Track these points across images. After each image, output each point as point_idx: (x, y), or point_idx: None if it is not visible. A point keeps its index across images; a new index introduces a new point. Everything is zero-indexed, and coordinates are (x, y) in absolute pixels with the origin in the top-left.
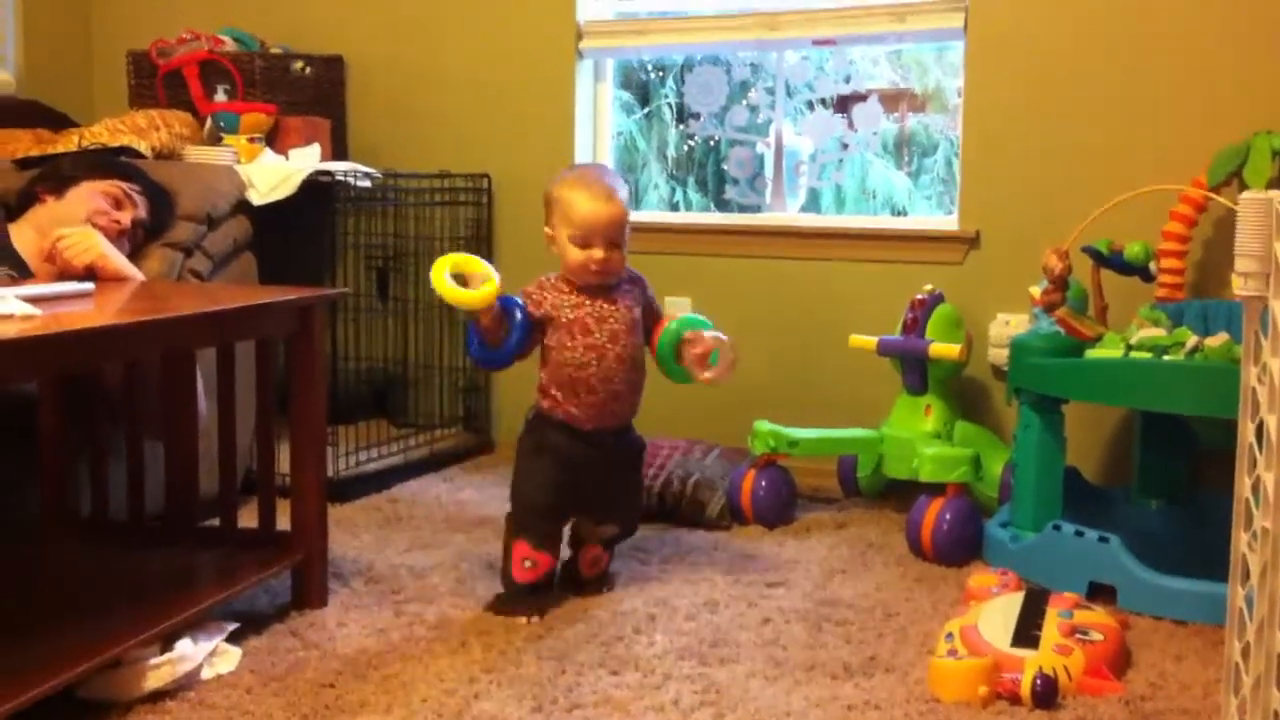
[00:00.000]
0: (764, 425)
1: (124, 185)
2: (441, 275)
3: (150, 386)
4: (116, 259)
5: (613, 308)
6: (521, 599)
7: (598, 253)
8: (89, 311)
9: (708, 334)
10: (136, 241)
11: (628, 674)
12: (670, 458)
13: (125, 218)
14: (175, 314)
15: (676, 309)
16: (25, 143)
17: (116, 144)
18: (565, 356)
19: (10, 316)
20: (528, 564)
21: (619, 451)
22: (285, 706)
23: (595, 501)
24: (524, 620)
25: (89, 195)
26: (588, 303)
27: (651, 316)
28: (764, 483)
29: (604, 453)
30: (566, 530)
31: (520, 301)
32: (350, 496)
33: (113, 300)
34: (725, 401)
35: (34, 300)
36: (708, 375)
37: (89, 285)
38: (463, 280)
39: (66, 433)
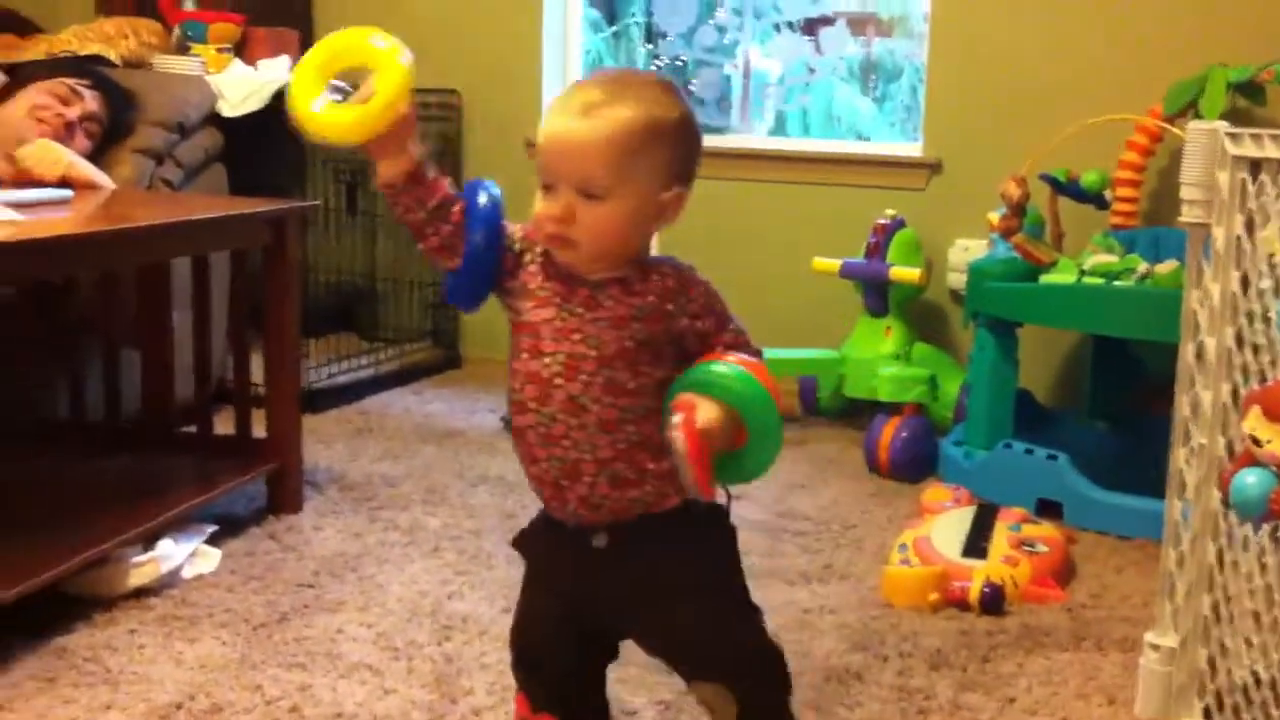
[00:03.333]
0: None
1: (70, 81)
2: (305, 88)
3: (125, 294)
4: (85, 167)
5: (592, 315)
6: None
7: (548, 204)
8: (67, 218)
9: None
10: (94, 137)
11: None
12: None
13: (72, 112)
14: (151, 223)
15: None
16: None
17: (85, 52)
18: (510, 392)
19: None
20: None
21: (638, 565)
22: (265, 604)
23: (638, 640)
24: None
25: (34, 93)
26: (558, 299)
27: (696, 342)
28: None
29: (604, 566)
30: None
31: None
32: (321, 408)
33: (89, 208)
34: None
35: (15, 206)
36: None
37: (68, 192)
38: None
39: (42, 340)
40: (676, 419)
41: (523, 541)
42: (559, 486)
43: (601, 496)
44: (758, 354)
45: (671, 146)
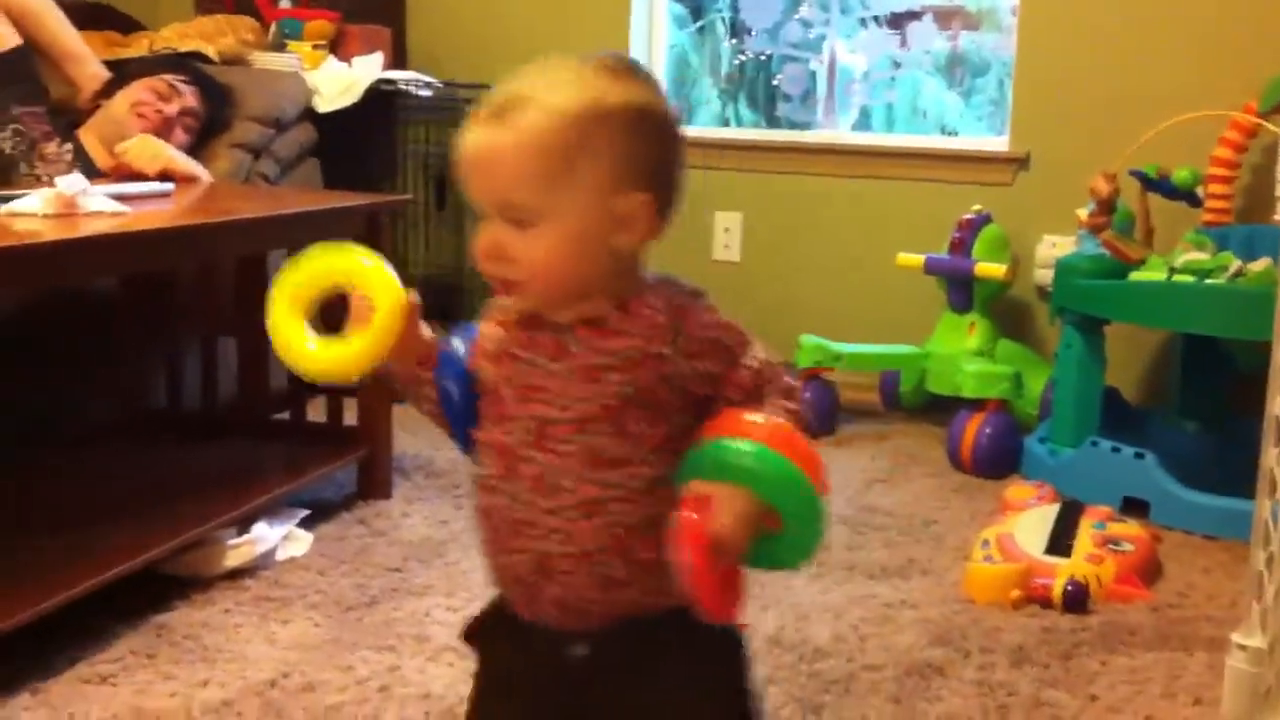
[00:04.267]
0: (809, 339)
1: (170, 78)
2: (287, 322)
3: (223, 284)
4: (184, 161)
5: (559, 366)
6: None
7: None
8: (168, 211)
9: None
10: (192, 132)
11: None
12: None
13: (171, 108)
14: (249, 216)
15: (729, 228)
16: (96, 46)
17: (185, 49)
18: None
19: (100, 213)
20: None
21: (624, 684)
22: (355, 587)
23: None
24: None
25: (135, 90)
26: (517, 348)
27: (701, 385)
28: (808, 395)
29: (583, 682)
30: None
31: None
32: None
33: (189, 201)
34: (771, 316)
35: (120, 199)
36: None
37: (169, 185)
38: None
39: (142, 329)
40: (680, 521)
41: (478, 635)
42: (529, 585)
43: (583, 599)
44: (791, 393)
45: (621, 141)
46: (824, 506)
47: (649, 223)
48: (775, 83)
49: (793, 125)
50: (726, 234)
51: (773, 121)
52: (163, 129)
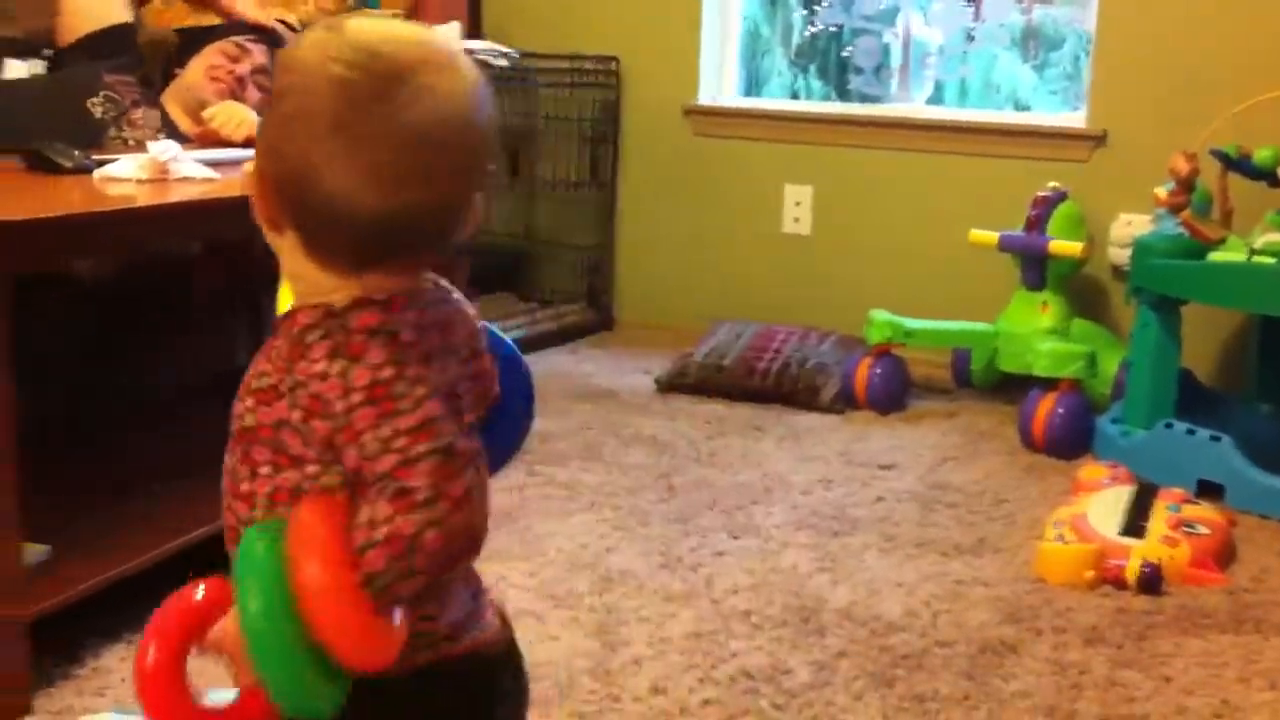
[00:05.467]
0: (880, 315)
1: (239, 39)
2: None
3: None
4: None
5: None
6: None
7: None
8: None
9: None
10: (265, 90)
11: (748, 539)
12: (786, 342)
13: (241, 67)
14: None
15: (799, 201)
16: (181, 12)
17: (272, 17)
18: None
19: (190, 179)
20: None
21: None
22: None
23: None
24: None
25: (208, 54)
26: None
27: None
28: (878, 370)
29: None
30: None
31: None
32: None
33: None
34: (841, 290)
35: (209, 164)
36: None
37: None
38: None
39: (227, 294)
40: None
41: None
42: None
43: None
44: (407, 505)
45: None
46: (316, 682)
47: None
48: (843, 55)
49: (863, 98)
50: (797, 207)
51: (843, 94)
52: (236, 89)
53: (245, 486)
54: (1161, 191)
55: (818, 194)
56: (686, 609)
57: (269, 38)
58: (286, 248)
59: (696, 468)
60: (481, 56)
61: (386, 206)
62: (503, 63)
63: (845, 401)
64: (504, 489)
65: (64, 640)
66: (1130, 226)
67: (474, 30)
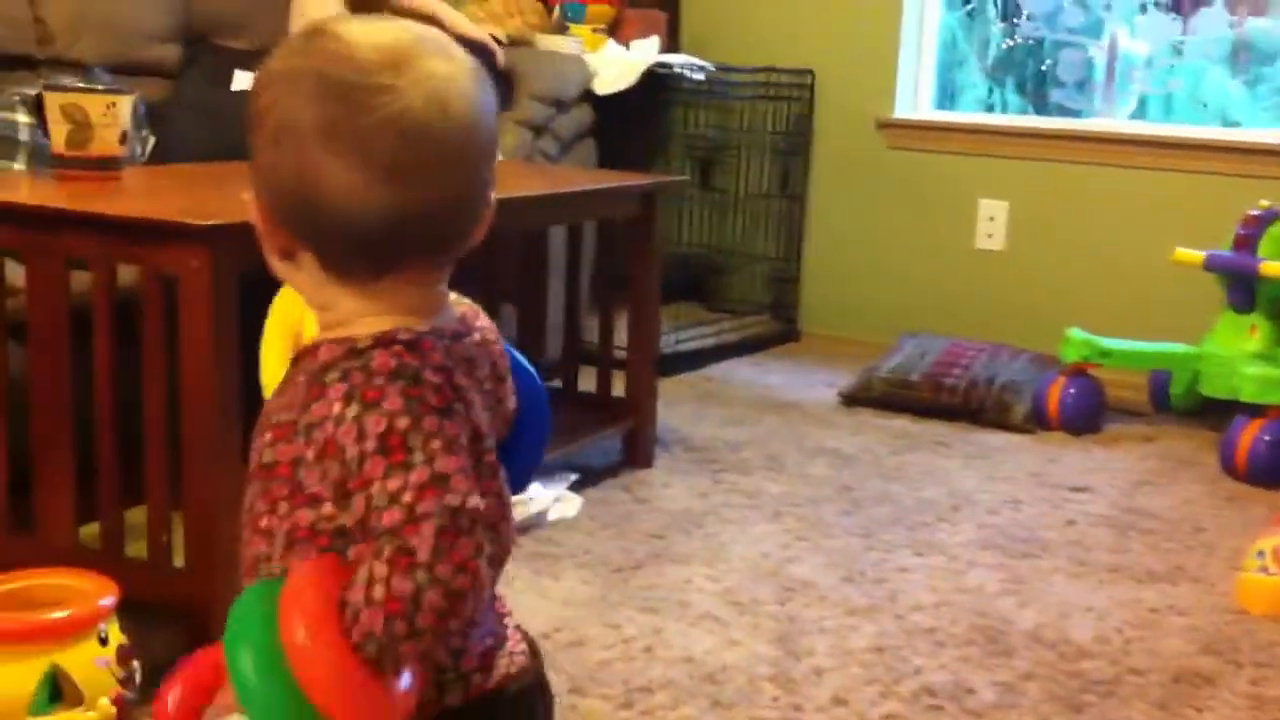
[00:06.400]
0: (1076, 333)
1: None
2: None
3: (507, 256)
4: None
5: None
6: None
7: None
8: None
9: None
10: None
11: (932, 557)
12: (976, 359)
13: None
14: (536, 192)
15: (993, 217)
16: None
17: (480, 30)
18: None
19: None
20: None
21: None
22: (621, 550)
23: None
24: None
25: None
26: None
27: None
28: (1072, 390)
29: None
30: None
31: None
32: (669, 372)
33: None
34: (1037, 308)
35: None
36: None
37: None
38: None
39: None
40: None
41: None
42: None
43: None
44: (402, 570)
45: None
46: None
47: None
48: (1042, 68)
49: (1062, 112)
50: (991, 222)
51: (1040, 108)
52: None
53: (264, 523)
54: None
55: (1014, 209)
56: (869, 623)
57: (479, 50)
58: (304, 276)
59: (880, 482)
60: (679, 70)
61: (396, 200)
62: (699, 76)
63: (1036, 421)
64: (690, 494)
65: None
66: None
67: (672, 44)
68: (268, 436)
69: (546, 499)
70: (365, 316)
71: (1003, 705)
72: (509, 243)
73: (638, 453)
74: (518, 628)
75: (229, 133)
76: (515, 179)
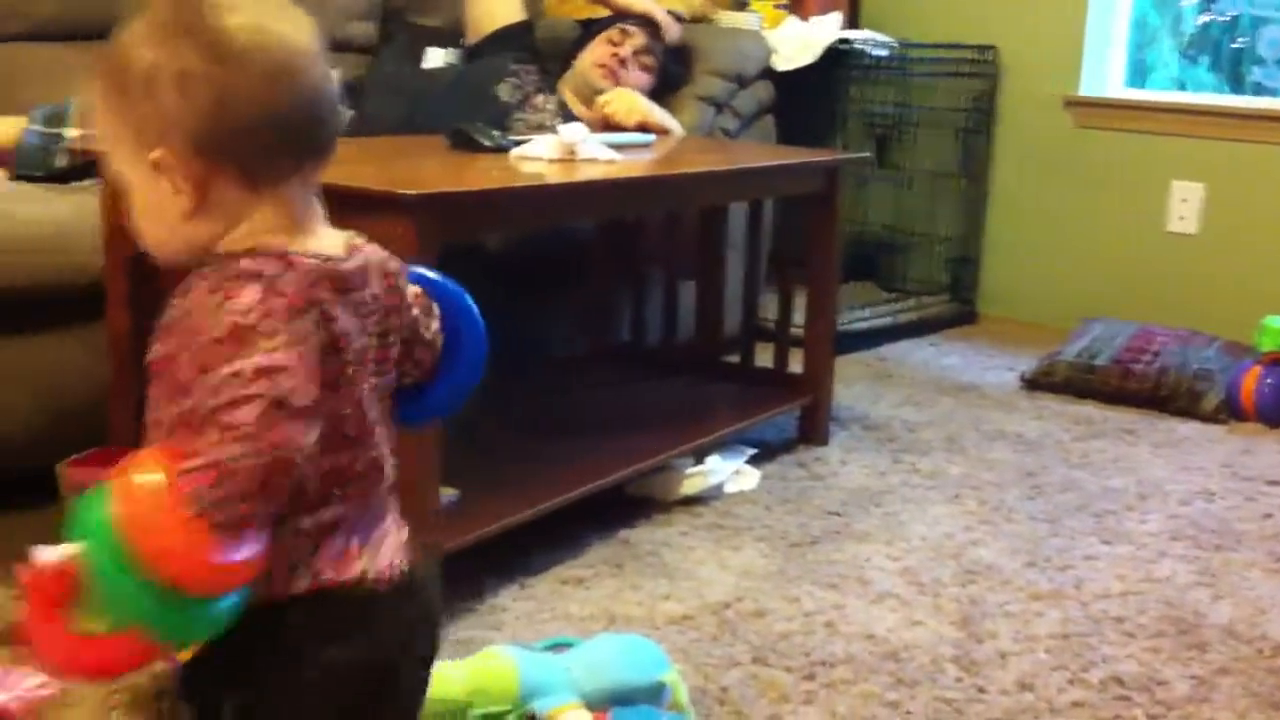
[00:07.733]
0: (1275, 321)
1: (623, 25)
2: None
3: (687, 232)
4: (659, 114)
5: None
6: None
7: None
8: (649, 161)
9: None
10: (649, 70)
11: (1120, 546)
12: (1166, 345)
13: (624, 50)
14: (719, 169)
15: (1186, 199)
16: (578, 3)
17: (649, 4)
18: None
19: (594, 160)
20: None
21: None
22: (798, 526)
23: None
24: None
25: (596, 44)
26: None
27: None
28: (1269, 380)
29: None
30: None
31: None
32: (844, 350)
33: (664, 153)
34: (1231, 294)
35: (612, 147)
36: None
37: (650, 137)
38: None
39: (613, 271)
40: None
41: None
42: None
43: None
44: (221, 438)
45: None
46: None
47: (176, 182)
48: (1235, 45)
49: (1260, 91)
50: (1184, 204)
51: (1236, 87)
52: (620, 70)
53: (151, 417)
54: None
55: (1209, 191)
56: (1054, 609)
57: (647, 24)
58: (230, 201)
59: (1064, 468)
60: (860, 46)
61: (291, 93)
62: (882, 52)
63: (1229, 411)
64: (867, 473)
65: (465, 578)
66: None
67: (853, 20)
68: (153, 338)
69: (725, 471)
70: (254, 234)
71: (1195, 699)
72: (689, 219)
73: (814, 430)
74: (408, 547)
75: (420, 109)
76: (695, 155)
